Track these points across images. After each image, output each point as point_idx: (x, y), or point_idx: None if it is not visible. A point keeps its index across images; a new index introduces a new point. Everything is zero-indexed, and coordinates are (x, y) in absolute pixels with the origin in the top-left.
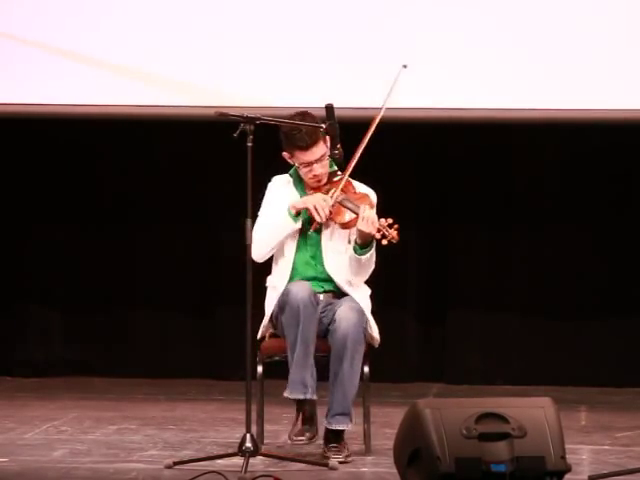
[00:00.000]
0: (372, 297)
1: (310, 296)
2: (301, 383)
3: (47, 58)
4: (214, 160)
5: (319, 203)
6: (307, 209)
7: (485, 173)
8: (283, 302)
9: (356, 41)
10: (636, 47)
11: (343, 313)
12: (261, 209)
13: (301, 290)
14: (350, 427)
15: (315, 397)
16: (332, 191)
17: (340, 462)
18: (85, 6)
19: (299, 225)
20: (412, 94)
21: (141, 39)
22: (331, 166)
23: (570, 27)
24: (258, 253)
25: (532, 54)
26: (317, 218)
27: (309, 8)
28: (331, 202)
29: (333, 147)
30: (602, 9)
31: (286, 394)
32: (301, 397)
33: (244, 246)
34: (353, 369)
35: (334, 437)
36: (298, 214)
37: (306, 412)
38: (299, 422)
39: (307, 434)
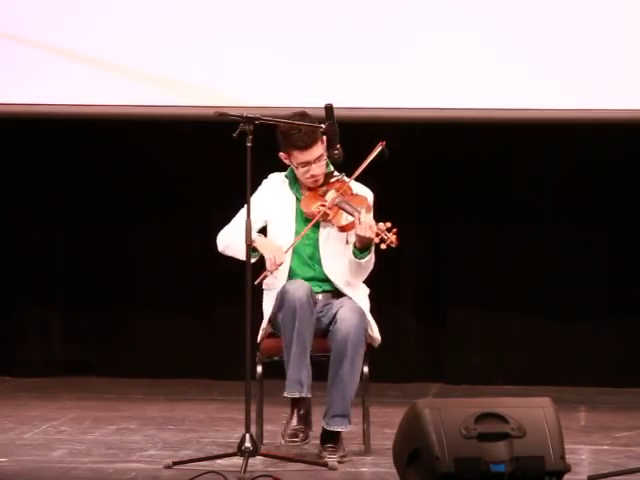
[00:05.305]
0: (372, 297)
1: (307, 295)
2: (297, 382)
3: (47, 58)
4: (214, 160)
5: (277, 256)
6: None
7: (485, 173)
8: (280, 300)
9: (356, 41)
10: (636, 47)
11: (344, 314)
12: (247, 204)
13: (298, 289)
14: (349, 428)
15: (310, 395)
16: (329, 194)
17: (337, 462)
18: (85, 6)
19: (252, 260)
20: (412, 94)
21: (141, 39)
22: (327, 166)
23: (570, 27)
24: (221, 250)
25: (532, 54)
26: (268, 267)
27: (309, 8)
28: (284, 260)
29: (333, 147)
30: (602, 9)
31: (285, 394)
32: (297, 395)
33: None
34: (353, 371)
35: (331, 438)
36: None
37: (301, 410)
38: (293, 420)
39: (301, 435)
